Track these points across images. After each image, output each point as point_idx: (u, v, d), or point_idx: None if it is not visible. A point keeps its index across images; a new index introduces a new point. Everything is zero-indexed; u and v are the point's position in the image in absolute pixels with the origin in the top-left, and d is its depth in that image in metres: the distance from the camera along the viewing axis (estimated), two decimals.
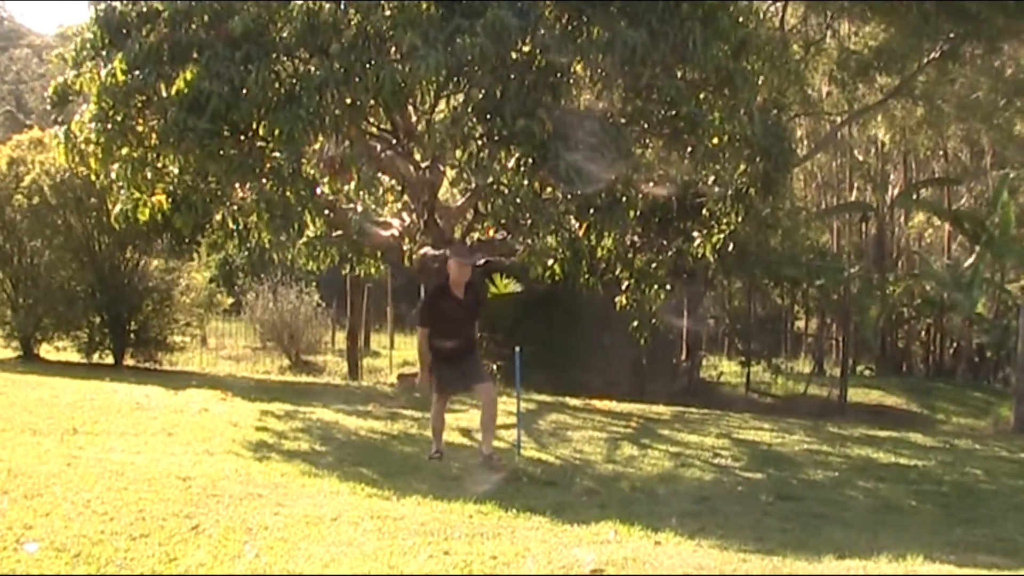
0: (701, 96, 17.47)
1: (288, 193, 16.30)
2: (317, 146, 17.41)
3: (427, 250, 19.29)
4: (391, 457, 12.65)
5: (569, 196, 16.37)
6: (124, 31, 16.35)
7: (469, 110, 15.87)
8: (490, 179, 17.03)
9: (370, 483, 10.57)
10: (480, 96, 15.71)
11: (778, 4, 30.37)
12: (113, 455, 11.05)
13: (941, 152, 42.02)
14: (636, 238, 19.06)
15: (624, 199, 17.50)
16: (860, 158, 42.56)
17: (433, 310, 11.71)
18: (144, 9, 16.39)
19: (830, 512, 10.61)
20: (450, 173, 18.77)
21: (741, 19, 18.09)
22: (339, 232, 19.63)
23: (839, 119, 34.13)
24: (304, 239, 19.49)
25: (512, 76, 15.50)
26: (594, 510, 9.83)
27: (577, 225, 17.09)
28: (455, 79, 15.76)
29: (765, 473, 12.80)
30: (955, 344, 35.93)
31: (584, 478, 11.89)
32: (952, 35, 27.03)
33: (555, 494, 10.69)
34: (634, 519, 9.25)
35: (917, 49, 27.96)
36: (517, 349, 13.26)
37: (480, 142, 16.08)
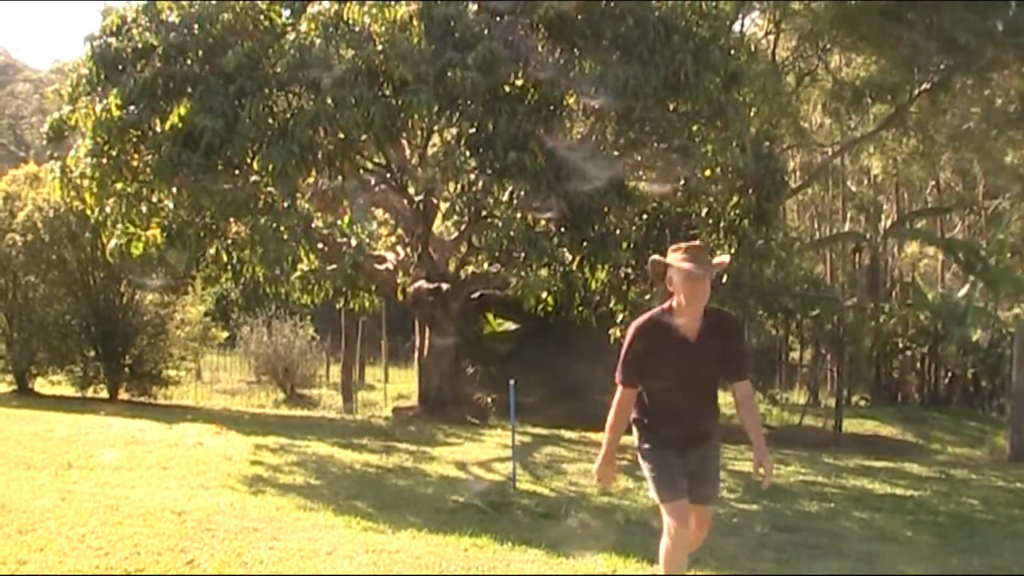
0: (693, 128, 17.58)
1: (281, 228, 16.35)
2: (311, 180, 17.48)
3: (421, 283, 19.34)
4: (386, 490, 12.62)
5: (562, 229, 16.41)
6: (119, 67, 16.46)
7: (461, 143, 15.97)
8: (483, 212, 17.12)
9: (365, 517, 10.56)
10: (472, 129, 15.79)
11: (770, 36, 30.55)
12: (108, 489, 11.03)
13: (933, 182, 42.20)
14: (630, 270, 19.07)
15: (617, 231, 17.55)
16: (853, 189, 42.70)
17: (643, 358, 6.77)
18: (139, 45, 16.48)
19: (826, 543, 10.61)
20: (443, 206, 18.83)
21: (732, 51, 18.20)
22: (333, 266, 19.64)
23: (831, 150, 34.28)
24: (298, 273, 19.50)
25: (504, 109, 15.60)
26: (589, 543, 9.80)
27: (570, 257, 17.11)
28: (447, 113, 15.86)
29: (760, 504, 12.78)
30: (950, 373, 35.92)
31: (580, 511, 11.88)
32: (943, 66, 27.17)
33: (550, 527, 10.67)
34: (629, 552, 9.25)
35: (909, 80, 28.12)
36: (512, 382, 13.19)
37: (472, 175, 16.16)
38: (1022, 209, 38.58)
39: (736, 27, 27.13)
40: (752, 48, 20.19)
